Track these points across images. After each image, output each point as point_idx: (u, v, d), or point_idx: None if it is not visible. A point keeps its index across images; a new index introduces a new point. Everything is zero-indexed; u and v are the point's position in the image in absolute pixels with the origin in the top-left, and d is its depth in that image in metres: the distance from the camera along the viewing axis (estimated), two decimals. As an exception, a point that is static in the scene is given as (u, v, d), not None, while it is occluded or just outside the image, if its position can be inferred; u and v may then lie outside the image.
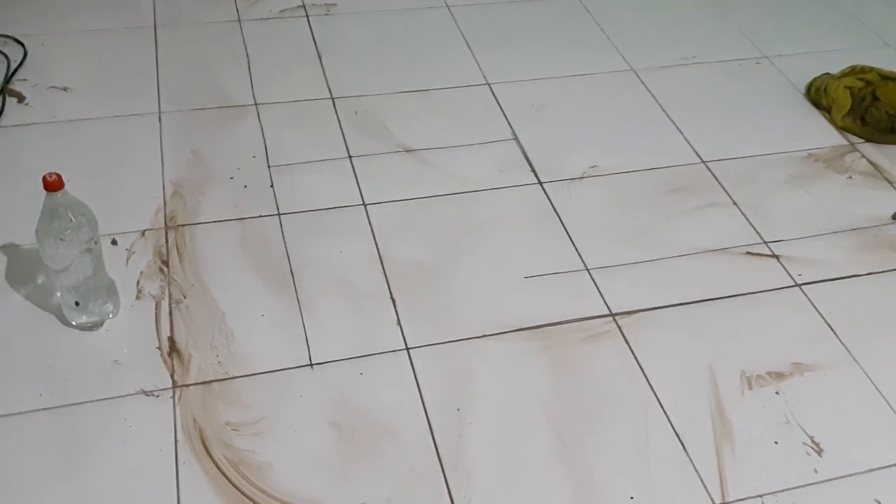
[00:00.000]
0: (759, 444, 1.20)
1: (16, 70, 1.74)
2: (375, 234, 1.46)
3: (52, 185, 1.09)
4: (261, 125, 1.66)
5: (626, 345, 1.32)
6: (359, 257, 1.42)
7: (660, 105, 1.82)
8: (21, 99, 1.67)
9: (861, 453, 1.19)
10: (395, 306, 1.34)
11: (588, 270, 1.43)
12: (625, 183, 1.62)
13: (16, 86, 1.71)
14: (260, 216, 1.47)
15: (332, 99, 1.76)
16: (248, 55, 1.85)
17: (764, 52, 2.02)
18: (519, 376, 1.26)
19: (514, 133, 1.71)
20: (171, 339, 1.26)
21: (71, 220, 1.12)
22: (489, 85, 1.84)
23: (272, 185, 1.54)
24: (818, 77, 1.89)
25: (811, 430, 1.22)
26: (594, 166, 1.64)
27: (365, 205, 1.52)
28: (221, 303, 1.32)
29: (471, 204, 1.54)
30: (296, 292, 1.35)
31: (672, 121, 1.78)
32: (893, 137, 1.76)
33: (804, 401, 1.26)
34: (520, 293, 1.39)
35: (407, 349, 1.28)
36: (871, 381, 1.29)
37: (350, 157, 1.62)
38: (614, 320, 1.35)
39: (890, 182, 1.67)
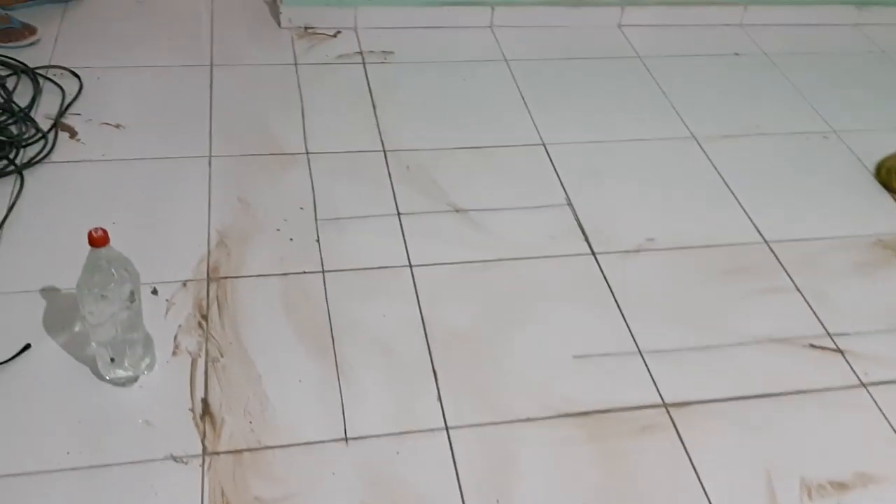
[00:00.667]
0: (819, 564, 1.12)
1: (70, 104, 1.74)
2: (420, 299, 1.41)
3: (98, 241, 1.06)
4: (311, 175, 1.63)
5: (678, 440, 1.24)
6: (402, 323, 1.37)
7: (721, 177, 1.75)
8: (73, 134, 1.66)
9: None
10: (436, 380, 1.29)
11: (641, 354, 1.37)
12: (682, 259, 1.55)
13: (69, 120, 1.70)
14: (304, 272, 1.43)
15: (385, 152, 1.72)
16: (302, 101, 1.83)
17: (832, 125, 1.94)
18: (563, 467, 1.19)
19: (568, 198, 1.66)
20: (205, 402, 1.22)
21: (113, 275, 1.09)
22: (544, 145, 1.79)
23: (318, 240, 1.50)
24: (889, 157, 1.82)
25: (876, 551, 1.14)
26: (651, 239, 1.58)
27: (411, 266, 1.47)
28: (259, 364, 1.28)
29: (520, 272, 1.49)
30: (335, 358, 1.30)
31: (734, 194, 1.71)
32: (969, 227, 1.67)
33: (869, 517, 1.17)
34: (568, 374, 1.32)
35: (446, 428, 1.22)
36: (943, 500, 1.20)
37: (399, 213, 1.57)
38: (667, 412, 1.28)
39: (965, 275, 1.58)
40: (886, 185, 1.77)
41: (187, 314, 1.34)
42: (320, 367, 1.29)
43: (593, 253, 1.54)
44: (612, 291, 1.47)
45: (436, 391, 1.28)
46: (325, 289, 1.41)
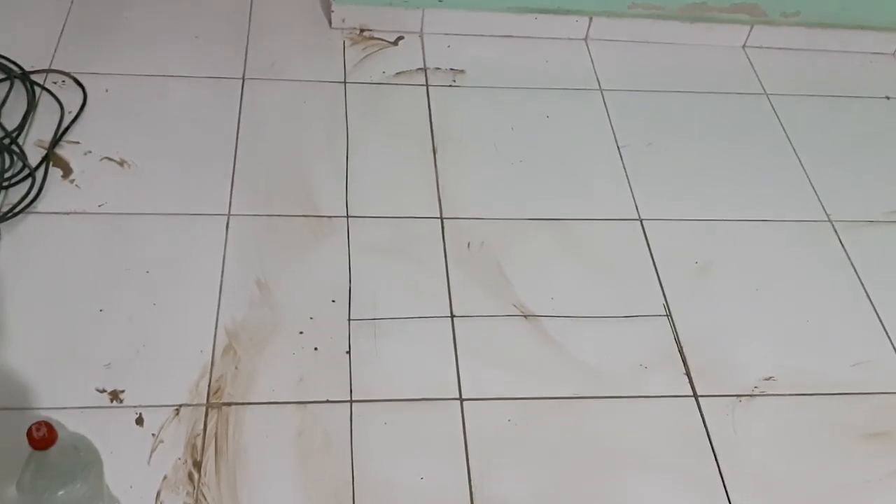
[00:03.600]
0: None
1: (68, 127, 1.43)
2: (469, 455, 1.11)
3: (40, 443, 0.78)
4: (349, 251, 1.32)
5: None
6: (444, 487, 1.08)
7: (861, 282, 1.39)
8: (67, 173, 1.36)
9: None
10: (482, 587, 1.00)
11: (748, 561, 1.06)
12: (808, 412, 1.21)
13: (65, 150, 1.40)
14: (327, 401, 1.14)
15: (442, 219, 1.39)
16: (348, 137, 1.49)
17: None
18: None
19: (667, 306, 1.32)
20: None
21: (64, 481, 0.81)
22: (641, 220, 1.44)
23: (349, 351, 1.20)
24: None
25: None
26: (770, 378, 1.24)
27: (461, 400, 1.17)
28: (258, 542, 1.01)
29: (600, 419, 1.17)
30: (354, 539, 1.02)
31: (875, 307, 1.35)
32: None
33: None
34: (652, 588, 1.03)
35: None
36: None
37: (452, 316, 1.26)
38: None
39: None
40: None
41: (175, 460, 1.06)
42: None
43: (695, 396, 1.21)
44: (715, 455, 1.15)
45: None
46: (351, 430, 1.11)
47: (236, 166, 1.41)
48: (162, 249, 1.28)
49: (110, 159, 1.40)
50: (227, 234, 1.32)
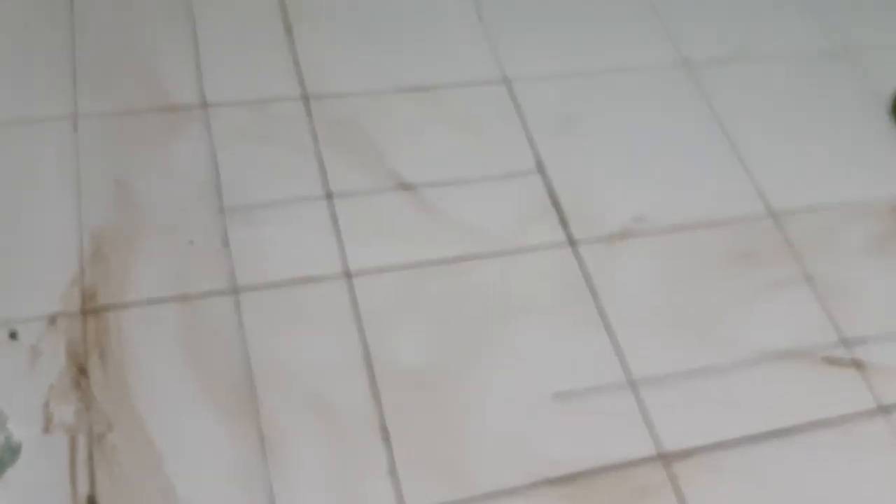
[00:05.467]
0: None
1: None
2: (363, 325, 1.12)
3: None
4: (211, 139, 1.26)
5: (680, 506, 1.05)
6: (342, 363, 1.09)
7: (718, 119, 1.45)
8: None
9: None
10: (388, 446, 1.04)
11: (631, 384, 1.13)
12: (678, 244, 1.28)
13: None
14: (210, 294, 1.12)
15: (306, 98, 1.35)
16: (193, 15, 1.41)
17: (844, 41, 1.62)
18: (547, 556, 0.99)
19: (538, 161, 1.34)
20: (92, 501, 0.95)
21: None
22: (507, 81, 1.44)
23: (226, 240, 1.17)
24: (909, 88, 1.54)
25: None
26: (640, 218, 1.30)
27: (349, 276, 1.17)
28: (158, 438, 0.99)
29: (485, 275, 1.20)
30: (258, 421, 1.03)
31: (731, 141, 1.42)
32: None
33: None
34: (547, 421, 1.09)
35: (404, 514, 0.99)
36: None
37: (329, 196, 1.24)
38: (665, 467, 1.07)
39: None
40: (904, 126, 1.51)
41: (60, 368, 1.03)
42: (240, 436, 1.01)
43: (571, 242, 1.26)
44: (594, 295, 1.21)
45: (387, 459, 1.03)
46: (241, 319, 1.10)
47: (77, 63, 1.31)
48: (6, 160, 1.19)
49: (-71, 68, 1.27)
50: (77, 134, 1.23)
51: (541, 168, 1.33)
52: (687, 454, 1.08)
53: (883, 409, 1.16)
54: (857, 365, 1.20)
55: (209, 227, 1.18)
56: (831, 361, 1.20)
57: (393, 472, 1.02)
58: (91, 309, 1.08)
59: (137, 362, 1.04)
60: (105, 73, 1.30)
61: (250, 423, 1.02)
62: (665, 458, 1.08)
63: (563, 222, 1.28)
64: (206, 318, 1.09)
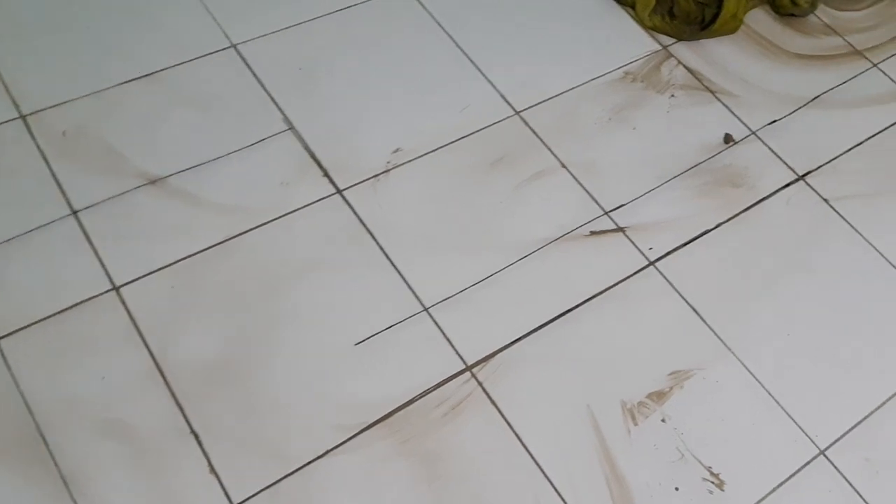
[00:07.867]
0: (661, 498, 1.07)
1: None
2: (145, 334, 1.09)
3: None
4: (-75, 189, 1.16)
5: (493, 407, 1.11)
6: (131, 378, 1.06)
7: (452, 39, 1.49)
8: None
9: (761, 471, 1.11)
10: (200, 444, 1.02)
11: (427, 310, 1.17)
12: (438, 167, 1.32)
13: None
14: (-31, 351, 1.04)
15: (23, 117, 1.25)
16: None
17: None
18: (382, 495, 1.02)
19: (286, 119, 1.33)
20: None
21: None
22: (234, 46, 1.40)
23: (-27, 291, 1.09)
24: (614, -39, 1.63)
25: (707, 459, 1.11)
26: (398, 150, 1.32)
27: (116, 288, 1.12)
28: (-47, 517, 0.94)
29: (261, 247, 1.19)
30: (56, 466, 0.98)
31: (466, 54, 1.46)
32: (706, 32, 1.57)
33: (692, 422, 1.13)
34: (355, 371, 1.11)
35: (235, 506, 0.99)
36: (750, 372, 1.19)
37: (74, 212, 1.17)
38: (472, 376, 1.13)
39: (711, 91, 1.50)
40: (618, -1, 1.61)
41: None
42: (41, 485, 0.97)
43: (338, 190, 1.27)
44: (373, 237, 1.23)
45: (204, 459, 1.02)
46: (8, 366, 1.04)
47: None
48: None
49: None
50: None
51: (291, 126, 1.32)
52: (489, 358, 1.15)
53: (651, 262, 1.27)
54: (619, 229, 1.30)
55: (-52, 282, 1.09)
56: (597, 232, 1.29)
57: (212, 469, 1.01)
58: None
59: None
60: None
61: (47, 469, 0.98)
62: (471, 369, 1.13)
63: (326, 174, 1.28)
64: (-28, 379, 1.02)
